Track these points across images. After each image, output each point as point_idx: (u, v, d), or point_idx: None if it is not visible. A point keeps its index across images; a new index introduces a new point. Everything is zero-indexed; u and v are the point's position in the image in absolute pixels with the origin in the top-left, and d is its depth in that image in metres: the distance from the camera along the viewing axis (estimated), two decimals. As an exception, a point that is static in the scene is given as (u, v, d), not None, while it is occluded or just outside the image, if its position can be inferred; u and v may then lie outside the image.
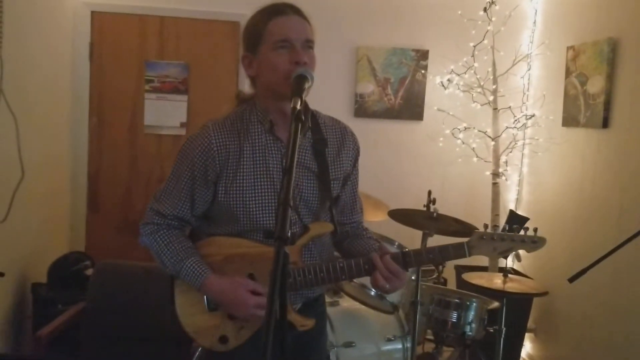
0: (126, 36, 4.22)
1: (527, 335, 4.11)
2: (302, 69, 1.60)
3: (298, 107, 1.45)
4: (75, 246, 4.15)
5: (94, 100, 4.23)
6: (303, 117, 1.45)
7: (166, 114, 4.24)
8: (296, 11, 1.71)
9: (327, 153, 1.80)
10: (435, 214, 3.15)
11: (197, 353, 1.75)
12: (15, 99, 3.01)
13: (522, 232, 1.76)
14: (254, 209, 1.69)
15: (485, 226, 1.78)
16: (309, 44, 1.68)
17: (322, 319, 1.94)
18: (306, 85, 1.57)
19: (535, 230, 1.77)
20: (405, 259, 1.71)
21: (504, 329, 3.01)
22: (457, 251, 1.74)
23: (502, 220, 3.99)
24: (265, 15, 1.69)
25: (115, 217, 4.27)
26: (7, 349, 3.14)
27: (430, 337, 3.59)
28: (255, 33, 1.69)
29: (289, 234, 1.24)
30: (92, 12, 4.15)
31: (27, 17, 3.32)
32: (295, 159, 1.36)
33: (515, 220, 3.56)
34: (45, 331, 2.59)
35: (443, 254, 1.75)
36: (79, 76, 4.16)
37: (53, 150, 3.83)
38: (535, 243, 1.75)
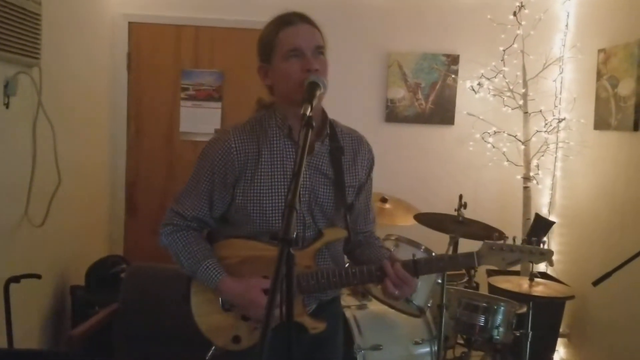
0: (162, 46, 4.36)
1: (560, 340, 4.06)
2: (314, 77, 1.65)
3: (308, 113, 1.50)
4: (114, 250, 4.30)
5: (132, 108, 4.38)
6: (314, 123, 1.50)
7: (201, 121, 4.35)
8: (305, 20, 1.76)
9: (344, 160, 1.84)
10: (461, 218, 3.16)
11: (211, 352, 1.81)
12: (53, 108, 3.15)
13: (531, 244, 1.81)
14: (270, 212, 1.74)
15: (496, 237, 1.83)
16: (319, 50, 1.73)
17: (337, 320, 1.98)
18: (318, 92, 1.62)
19: (544, 243, 1.84)
20: (416, 266, 1.75)
21: (530, 333, 2.98)
22: (467, 260, 1.81)
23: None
24: (275, 26, 1.75)
25: (152, 221, 4.39)
26: (46, 347, 3.28)
27: (462, 341, 3.59)
28: (268, 44, 1.75)
29: (295, 235, 1.27)
30: (130, 23, 4.31)
31: (66, 29, 3.47)
32: (304, 164, 1.41)
33: (541, 223, 3.56)
34: (77, 331, 2.70)
35: (453, 263, 1.85)
36: (117, 86, 4.31)
37: (91, 157, 3.99)
38: (543, 255, 1.82)
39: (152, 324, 2.76)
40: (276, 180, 1.75)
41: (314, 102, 1.58)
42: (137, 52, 4.35)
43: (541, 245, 1.82)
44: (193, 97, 4.36)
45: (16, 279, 2.74)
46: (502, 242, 1.80)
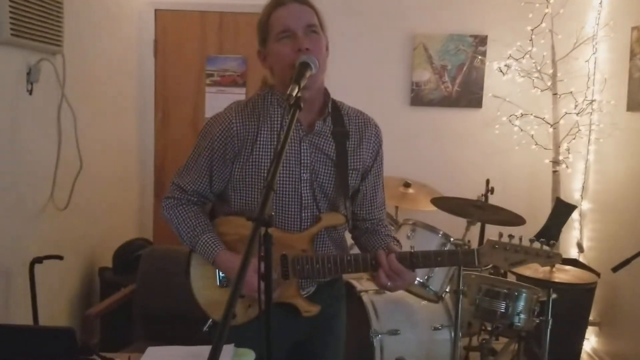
0: (188, 32, 4.41)
1: (591, 328, 3.95)
2: (305, 57, 1.63)
3: (294, 94, 1.49)
4: (143, 233, 4.39)
5: (159, 95, 4.45)
6: (302, 105, 1.49)
7: (225, 107, 4.37)
8: None
9: (348, 144, 1.82)
10: (479, 203, 3.09)
11: (208, 324, 1.84)
12: (75, 94, 3.22)
13: (539, 245, 1.71)
14: None
15: (500, 235, 1.74)
16: (311, 28, 1.71)
17: (337, 302, 1.96)
18: (308, 73, 1.60)
19: (553, 244, 1.73)
20: (412, 259, 1.71)
21: (550, 320, 2.91)
22: (467, 257, 1.74)
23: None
24: (268, 9, 1.74)
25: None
26: (75, 327, 3.39)
27: (489, 327, 3.52)
28: (263, 28, 1.75)
29: (271, 215, 1.26)
30: (156, 11, 4.36)
31: (90, 17, 3.54)
32: (287, 145, 1.41)
33: (563, 208, 3.46)
34: (93, 311, 2.79)
35: (451, 259, 1.77)
36: (144, 73, 4.38)
37: (118, 142, 4.06)
38: (550, 258, 1.71)
39: (169, 303, 2.81)
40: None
41: (303, 83, 1.57)
42: (163, 39, 4.40)
43: (550, 248, 1.71)
44: (218, 83, 4.40)
45: (39, 260, 2.83)
46: (506, 241, 1.71)
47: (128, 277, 3.49)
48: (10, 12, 2.61)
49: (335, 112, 1.84)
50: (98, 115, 3.66)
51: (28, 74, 2.87)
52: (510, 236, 1.72)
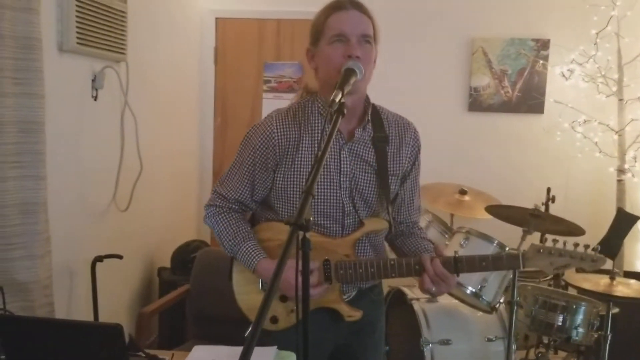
0: (246, 40, 4.49)
1: (658, 346, 3.76)
2: (352, 63, 1.65)
3: (337, 99, 1.50)
4: (201, 235, 4.49)
5: (219, 101, 4.55)
6: (345, 110, 1.50)
7: (282, 112, 4.43)
8: (356, 6, 1.75)
9: (388, 150, 1.83)
10: (537, 212, 3.00)
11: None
12: (137, 101, 3.35)
13: (583, 249, 1.73)
14: None
15: (545, 239, 1.79)
16: (366, 38, 1.72)
17: (377, 307, 1.97)
18: (353, 79, 1.61)
19: (597, 249, 1.74)
20: (457, 264, 1.72)
21: (609, 335, 2.80)
22: (511, 261, 1.75)
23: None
24: (327, 10, 1.76)
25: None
26: (132, 324, 3.51)
27: (545, 341, 3.42)
28: (317, 27, 1.77)
29: (309, 220, 1.27)
30: (217, 19, 4.47)
31: (153, 26, 3.67)
32: (328, 151, 1.41)
33: (624, 218, 3.31)
34: (147, 309, 2.89)
35: (496, 263, 1.76)
36: (205, 79, 4.50)
37: (178, 147, 4.19)
38: (594, 262, 1.73)
39: (220, 303, 2.85)
40: None
41: (347, 89, 1.57)
42: (223, 46, 4.51)
43: (595, 252, 1.73)
44: (275, 89, 4.46)
45: (100, 259, 2.95)
46: (551, 245, 1.74)
47: (185, 278, 3.58)
48: (77, 21, 2.74)
49: (375, 117, 1.84)
50: (159, 121, 3.78)
51: (93, 80, 3.01)
52: (555, 240, 1.75)
